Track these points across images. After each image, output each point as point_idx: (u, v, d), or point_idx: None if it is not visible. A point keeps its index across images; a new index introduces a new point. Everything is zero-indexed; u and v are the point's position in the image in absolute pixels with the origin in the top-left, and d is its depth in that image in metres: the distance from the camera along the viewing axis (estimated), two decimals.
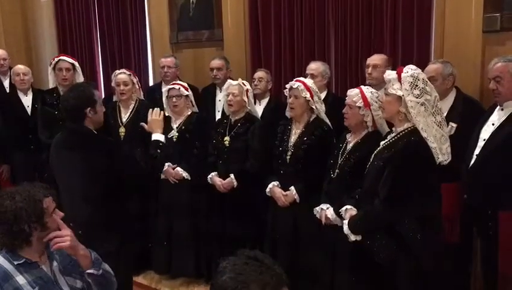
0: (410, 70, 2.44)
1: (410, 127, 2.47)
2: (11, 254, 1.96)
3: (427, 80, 2.49)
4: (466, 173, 2.89)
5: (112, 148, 2.88)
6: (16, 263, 1.94)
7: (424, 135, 2.40)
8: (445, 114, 3.08)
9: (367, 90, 2.87)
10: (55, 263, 2.07)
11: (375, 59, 3.57)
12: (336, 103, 3.61)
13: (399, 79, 2.44)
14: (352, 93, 2.88)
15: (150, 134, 3.16)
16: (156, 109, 3.22)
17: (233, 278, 1.29)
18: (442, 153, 2.45)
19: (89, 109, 2.77)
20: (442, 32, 3.58)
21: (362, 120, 2.86)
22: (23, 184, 2.05)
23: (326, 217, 2.88)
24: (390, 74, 2.51)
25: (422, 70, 3.17)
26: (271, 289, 1.28)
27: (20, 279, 1.93)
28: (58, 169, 2.90)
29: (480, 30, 3.40)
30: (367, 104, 2.81)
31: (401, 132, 2.50)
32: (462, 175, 2.94)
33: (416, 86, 2.41)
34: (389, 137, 2.58)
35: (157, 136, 3.09)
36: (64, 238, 2.00)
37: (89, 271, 2.10)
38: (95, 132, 2.85)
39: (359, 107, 2.83)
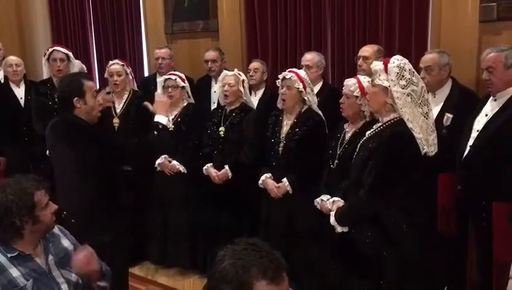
0: (396, 60, 2.43)
1: (396, 118, 2.46)
2: (5, 246, 1.95)
3: (414, 70, 2.47)
4: (459, 164, 2.88)
5: (91, 137, 2.84)
6: (9, 255, 1.93)
7: (409, 125, 2.39)
8: (441, 104, 3.11)
9: (364, 79, 2.85)
10: (50, 256, 2.06)
11: (366, 50, 3.54)
12: (331, 93, 3.60)
13: (385, 70, 2.43)
14: (349, 82, 2.86)
15: (146, 123, 3.18)
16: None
17: (233, 264, 1.28)
18: (428, 144, 2.44)
19: (76, 98, 2.75)
20: (439, 22, 3.55)
21: (359, 110, 2.84)
22: (15, 176, 2.03)
23: (327, 209, 2.86)
24: (377, 65, 2.49)
25: (419, 60, 3.19)
26: (272, 272, 1.27)
27: (14, 271, 1.92)
28: (52, 158, 2.89)
29: (477, 20, 3.38)
30: (364, 93, 2.79)
31: (387, 122, 2.49)
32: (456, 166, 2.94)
33: (403, 76, 2.39)
34: (374, 127, 2.58)
35: (159, 117, 3.12)
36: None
37: (99, 284, 2.09)
38: (83, 122, 2.79)
39: (356, 97, 2.82)
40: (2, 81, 4.80)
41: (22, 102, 4.66)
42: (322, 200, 2.90)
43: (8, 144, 4.60)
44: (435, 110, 3.05)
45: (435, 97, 3.14)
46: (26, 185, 1.96)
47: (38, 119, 4.12)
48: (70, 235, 2.23)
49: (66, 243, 2.17)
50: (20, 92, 4.69)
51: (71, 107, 2.75)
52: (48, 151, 3.23)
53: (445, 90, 3.15)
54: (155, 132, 3.04)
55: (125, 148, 3.08)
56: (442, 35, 3.53)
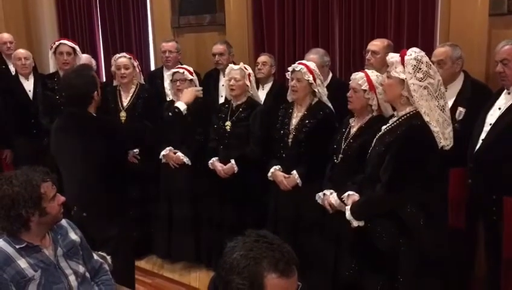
0: (413, 53, 2.39)
1: (412, 111, 2.42)
2: (13, 237, 1.95)
3: (430, 63, 2.44)
4: (470, 157, 2.86)
5: (113, 126, 2.90)
6: (17, 246, 1.94)
7: (426, 118, 2.36)
8: (453, 98, 3.07)
9: (372, 73, 2.82)
10: (59, 248, 2.06)
11: (375, 45, 3.48)
12: (340, 87, 3.56)
13: (402, 62, 2.39)
14: (357, 76, 2.84)
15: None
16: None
17: (245, 255, 1.28)
18: (444, 137, 2.41)
19: (95, 92, 2.80)
20: (448, 16, 3.52)
21: (367, 104, 2.82)
22: (23, 168, 2.03)
23: (330, 203, 2.86)
24: (393, 57, 2.46)
25: (427, 55, 3.15)
26: (283, 265, 1.27)
27: (22, 262, 1.92)
28: (58, 153, 2.89)
29: (487, 13, 3.34)
30: (372, 87, 2.77)
31: (403, 116, 2.46)
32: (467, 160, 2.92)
33: (420, 69, 2.36)
34: (390, 121, 2.54)
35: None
36: None
37: None
38: (94, 114, 2.85)
39: (364, 91, 2.79)
40: (14, 73, 4.82)
41: (31, 95, 4.68)
42: (324, 194, 2.89)
43: (17, 136, 4.62)
44: (448, 105, 3.03)
45: (446, 91, 3.09)
46: (32, 176, 1.96)
47: (45, 113, 4.13)
48: (77, 229, 2.23)
49: (73, 235, 2.17)
50: (29, 84, 4.71)
51: (90, 101, 2.79)
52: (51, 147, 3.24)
53: (457, 84, 3.11)
54: (170, 113, 3.27)
55: (136, 129, 3.16)
56: (451, 29, 3.49)
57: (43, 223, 1.98)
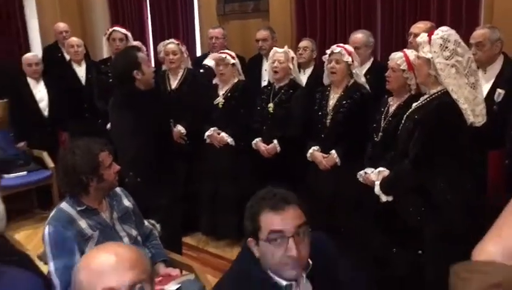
0: (440, 32, 2.41)
1: (442, 90, 2.45)
2: (74, 200, 2.16)
3: (460, 41, 2.44)
4: (509, 137, 2.85)
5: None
6: (78, 208, 2.14)
7: (454, 96, 2.38)
8: (492, 80, 3.06)
9: (411, 53, 2.86)
10: (114, 213, 2.26)
11: (418, 27, 3.48)
12: (381, 71, 3.59)
13: (429, 41, 2.42)
14: (396, 56, 2.88)
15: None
16: None
17: (251, 203, 1.57)
18: (475, 114, 2.42)
19: (135, 71, 2.94)
20: None
21: (405, 83, 2.86)
22: (84, 139, 2.24)
23: (371, 181, 2.90)
24: (422, 37, 2.49)
25: (470, 36, 3.15)
26: (273, 202, 1.51)
27: (83, 223, 2.12)
28: (113, 128, 3.11)
29: None
30: (410, 67, 2.80)
31: (434, 94, 2.50)
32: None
33: (446, 47, 2.37)
34: (421, 99, 2.58)
35: (208, 61, 3.78)
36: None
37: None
38: (141, 91, 2.99)
39: (403, 70, 2.83)
40: (67, 59, 5.12)
41: (83, 80, 4.96)
42: (365, 173, 2.94)
43: (71, 120, 4.90)
44: (486, 87, 3.02)
45: (485, 73, 3.09)
46: (92, 146, 2.16)
47: (100, 97, 4.36)
48: (130, 196, 2.43)
49: (126, 202, 2.37)
50: (81, 70, 4.99)
51: (132, 80, 2.95)
52: (108, 125, 3.48)
53: (496, 66, 3.10)
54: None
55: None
56: (495, 11, 3.46)
57: (100, 189, 2.18)
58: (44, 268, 2.29)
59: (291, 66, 3.66)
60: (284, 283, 1.49)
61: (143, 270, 1.20)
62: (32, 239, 4.22)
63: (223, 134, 3.89)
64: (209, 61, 3.83)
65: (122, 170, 2.34)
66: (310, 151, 3.36)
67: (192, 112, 4.00)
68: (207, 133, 3.93)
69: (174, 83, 4.15)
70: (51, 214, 2.13)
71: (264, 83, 4.35)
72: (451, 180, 2.45)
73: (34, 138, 4.83)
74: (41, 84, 4.90)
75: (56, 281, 2.02)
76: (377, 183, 2.70)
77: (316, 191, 3.38)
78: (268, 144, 3.69)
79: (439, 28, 2.47)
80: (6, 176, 4.44)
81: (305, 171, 3.49)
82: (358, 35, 3.75)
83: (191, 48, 5.49)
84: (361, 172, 2.99)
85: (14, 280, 2.29)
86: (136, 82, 2.95)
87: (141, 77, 2.94)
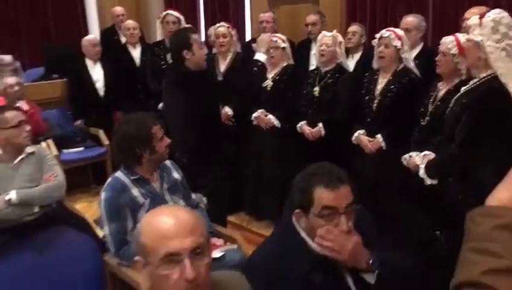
0: (492, 14, 2.35)
1: (491, 74, 2.40)
2: (128, 170, 2.31)
3: None
4: None
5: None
6: (131, 178, 2.29)
7: (503, 80, 2.32)
8: None
9: (462, 37, 2.81)
10: (164, 183, 2.40)
11: (473, 12, 3.37)
12: (431, 55, 3.55)
13: (480, 24, 2.37)
14: (447, 40, 2.84)
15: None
16: None
17: (302, 176, 1.67)
18: None
19: (185, 51, 3.04)
20: None
21: (455, 67, 2.81)
22: (138, 113, 2.38)
23: (415, 165, 2.88)
24: (473, 19, 2.44)
25: None
26: (329, 179, 1.58)
27: (135, 191, 2.27)
28: (165, 106, 3.25)
29: None
30: (462, 51, 2.76)
31: (483, 78, 2.45)
32: None
33: (497, 30, 2.31)
34: (470, 83, 2.55)
35: (259, 55, 3.78)
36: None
37: None
38: (191, 71, 3.08)
39: (453, 55, 2.79)
40: (123, 42, 5.33)
41: (137, 62, 5.15)
42: (410, 156, 2.92)
43: (125, 100, 5.10)
44: None
45: None
46: (146, 120, 2.31)
47: (153, 78, 4.52)
48: (179, 169, 2.56)
49: (176, 175, 2.50)
50: (136, 53, 5.19)
51: (182, 59, 3.06)
52: (160, 105, 3.62)
53: None
54: (254, 68, 3.52)
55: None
56: None
57: (152, 160, 2.32)
58: (100, 233, 2.46)
59: (338, 50, 3.66)
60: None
61: (201, 234, 1.22)
62: (88, 211, 4.47)
63: (270, 116, 3.95)
64: (260, 56, 3.79)
65: (173, 144, 2.47)
66: (356, 134, 3.38)
67: (239, 95, 4.09)
68: (254, 115, 4.00)
69: (222, 66, 4.24)
70: (107, 182, 2.29)
71: (311, 67, 4.37)
72: (500, 163, 2.40)
73: (91, 117, 5.10)
74: (98, 65, 5.13)
75: (110, 243, 2.18)
76: (422, 166, 2.69)
77: (360, 174, 3.38)
78: (313, 128, 3.73)
79: (492, 11, 2.41)
80: (65, 151, 4.73)
81: (350, 155, 3.52)
82: (410, 18, 3.75)
83: (241, 33, 5.58)
84: (406, 155, 2.98)
85: (71, 241, 2.50)
86: (186, 62, 3.05)
87: (191, 57, 3.04)
